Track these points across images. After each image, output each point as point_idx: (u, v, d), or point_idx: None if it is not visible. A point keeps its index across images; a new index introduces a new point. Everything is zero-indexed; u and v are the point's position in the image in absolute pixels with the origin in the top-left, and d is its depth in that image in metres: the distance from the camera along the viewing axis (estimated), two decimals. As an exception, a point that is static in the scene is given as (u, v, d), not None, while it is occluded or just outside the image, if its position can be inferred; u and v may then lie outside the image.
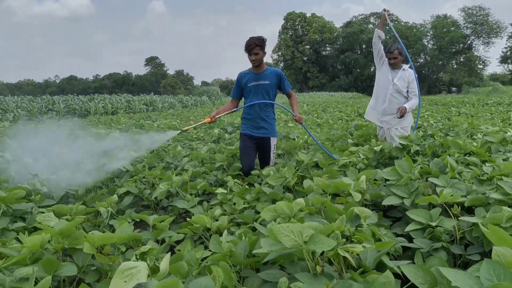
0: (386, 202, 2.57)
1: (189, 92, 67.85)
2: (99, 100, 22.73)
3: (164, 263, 1.41)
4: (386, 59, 5.01)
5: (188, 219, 2.68)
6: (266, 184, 3.39)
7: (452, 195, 2.28)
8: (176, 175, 3.69)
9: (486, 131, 5.53)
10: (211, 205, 3.25)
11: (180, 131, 4.66)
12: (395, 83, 4.92)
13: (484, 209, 2.23)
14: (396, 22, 74.54)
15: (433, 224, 2.12)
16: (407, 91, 4.98)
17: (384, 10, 4.89)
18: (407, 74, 4.96)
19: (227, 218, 2.72)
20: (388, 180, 2.90)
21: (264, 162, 4.46)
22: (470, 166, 3.16)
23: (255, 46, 4.13)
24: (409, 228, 2.18)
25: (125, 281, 1.16)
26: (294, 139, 6.12)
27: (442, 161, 2.99)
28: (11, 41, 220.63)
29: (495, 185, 2.49)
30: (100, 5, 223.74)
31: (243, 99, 4.61)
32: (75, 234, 1.94)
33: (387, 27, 5.12)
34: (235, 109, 4.49)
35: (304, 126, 4.78)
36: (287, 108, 4.81)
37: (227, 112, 4.47)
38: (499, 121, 7.85)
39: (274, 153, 4.46)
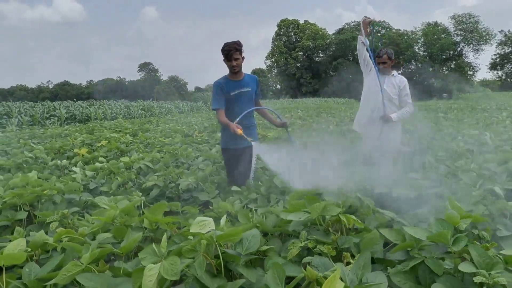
0: (378, 190, 3.16)
1: (183, 97, 68.29)
2: (98, 105, 23.23)
3: (223, 220, 1.97)
4: (372, 66, 4.67)
5: (208, 208, 3.23)
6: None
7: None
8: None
9: (466, 134, 6.15)
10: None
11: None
12: (385, 89, 4.64)
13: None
14: (388, 29, 75.85)
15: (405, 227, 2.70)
16: (398, 99, 4.76)
17: (364, 17, 4.60)
18: (398, 80, 4.74)
19: (243, 205, 3.29)
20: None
21: (244, 174, 4.07)
22: (445, 162, 3.77)
23: (235, 50, 3.92)
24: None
25: (200, 228, 1.72)
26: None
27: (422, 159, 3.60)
28: (2, 45, 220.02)
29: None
30: (93, 10, 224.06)
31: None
32: (133, 213, 2.51)
33: (379, 34, 5.36)
34: (250, 110, 4.13)
35: (288, 130, 4.55)
36: (277, 113, 4.60)
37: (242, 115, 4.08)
38: (481, 126, 8.50)
39: (255, 162, 4.10)
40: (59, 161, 5.16)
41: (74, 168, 4.26)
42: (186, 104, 33.24)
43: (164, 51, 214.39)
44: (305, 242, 1.80)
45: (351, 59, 75.10)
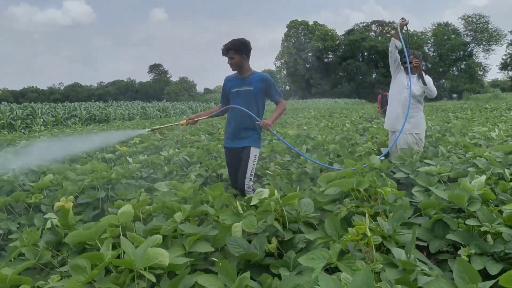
0: (397, 175, 3.67)
1: (193, 98, 68.87)
2: (115, 106, 23.94)
3: (269, 189, 2.51)
4: (402, 67, 4.87)
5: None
6: (305, 167, 4.49)
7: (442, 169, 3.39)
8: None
9: (476, 131, 6.63)
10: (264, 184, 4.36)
11: (149, 130, 4.67)
12: (411, 87, 4.72)
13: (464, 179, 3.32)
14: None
15: (431, 188, 3.21)
16: (422, 96, 4.86)
17: (402, 19, 4.75)
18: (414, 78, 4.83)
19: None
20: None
21: (240, 176, 3.94)
22: (457, 154, 4.28)
23: (228, 49, 3.87)
24: (414, 189, 3.27)
25: (258, 198, 2.28)
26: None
27: (435, 149, 4.11)
28: (14, 48, 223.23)
29: (472, 163, 3.60)
30: (102, 12, 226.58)
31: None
32: (196, 191, 3.06)
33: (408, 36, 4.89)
34: (215, 112, 4.19)
35: (274, 132, 4.31)
36: (252, 114, 3.92)
37: (208, 116, 4.20)
38: (489, 124, 8.94)
39: (253, 165, 3.95)
40: (106, 155, 5.74)
41: (128, 158, 4.83)
42: (199, 105, 33.97)
43: (173, 53, 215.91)
44: (351, 205, 2.32)
45: (360, 60, 75.38)
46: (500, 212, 2.31)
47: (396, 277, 1.58)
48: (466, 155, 4.17)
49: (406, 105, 4.68)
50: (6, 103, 18.63)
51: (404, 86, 4.80)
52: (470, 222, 2.10)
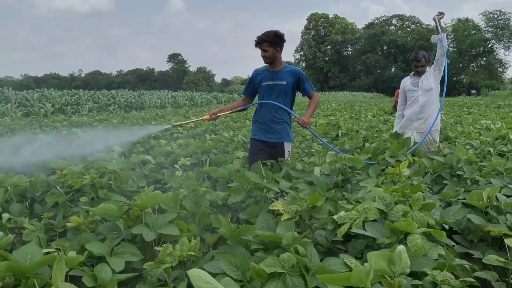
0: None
1: (211, 89, 70.00)
2: (148, 95, 25.60)
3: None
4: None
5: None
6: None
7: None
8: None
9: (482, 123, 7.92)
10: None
11: (170, 125, 4.85)
12: (423, 84, 4.76)
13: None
14: (418, 24, 76.36)
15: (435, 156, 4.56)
16: (434, 85, 4.76)
17: (439, 13, 4.64)
18: (430, 73, 4.81)
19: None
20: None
21: None
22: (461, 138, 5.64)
23: (262, 41, 3.78)
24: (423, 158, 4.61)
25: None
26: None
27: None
28: (34, 34, 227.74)
29: (469, 144, 4.97)
30: (120, 1, 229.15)
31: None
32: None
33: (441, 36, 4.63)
34: (241, 108, 4.18)
35: (311, 130, 4.36)
36: (291, 111, 4.02)
37: (232, 111, 4.23)
38: (498, 119, 10.18)
39: (288, 161, 3.84)
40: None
41: (206, 136, 6.31)
42: (223, 95, 35.53)
43: (191, 42, 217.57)
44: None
45: (380, 53, 75.93)
46: (480, 170, 3.67)
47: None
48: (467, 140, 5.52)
49: (419, 100, 4.75)
50: (53, 90, 20.47)
51: (417, 86, 4.84)
52: (459, 173, 3.48)
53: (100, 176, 3.44)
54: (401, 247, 1.34)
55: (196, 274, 1.07)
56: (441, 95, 4.79)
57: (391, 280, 1.26)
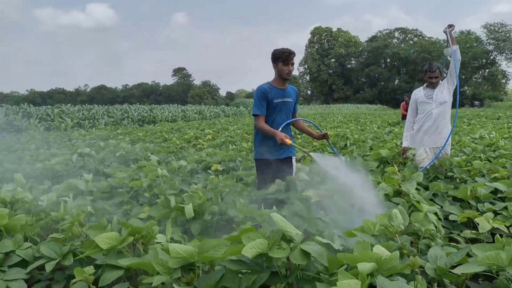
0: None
1: (216, 102, 70.78)
2: (159, 110, 26.51)
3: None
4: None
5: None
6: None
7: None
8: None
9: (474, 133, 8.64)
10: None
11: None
12: (437, 96, 4.68)
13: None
14: (420, 37, 77.47)
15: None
16: (448, 96, 4.71)
17: (449, 26, 4.59)
18: (444, 85, 4.74)
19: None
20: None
21: None
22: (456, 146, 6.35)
23: (294, 55, 3.78)
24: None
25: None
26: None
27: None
28: (40, 50, 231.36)
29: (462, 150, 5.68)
30: (124, 15, 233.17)
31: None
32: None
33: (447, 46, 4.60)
34: (290, 120, 4.04)
35: (329, 142, 4.45)
36: (315, 124, 4.40)
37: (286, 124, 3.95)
38: (494, 130, 10.88)
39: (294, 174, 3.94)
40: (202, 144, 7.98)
41: (231, 146, 7.06)
42: (230, 108, 36.46)
43: (195, 56, 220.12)
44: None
45: (383, 66, 76.92)
46: (469, 171, 4.39)
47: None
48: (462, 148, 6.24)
49: (433, 113, 4.68)
50: (70, 105, 21.43)
51: (430, 99, 4.74)
52: (450, 174, 4.21)
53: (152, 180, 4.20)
54: (396, 210, 2.06)
55: (275, 216, 1.78)
56: (453, 106, 4.73)
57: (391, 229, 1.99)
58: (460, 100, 63.25)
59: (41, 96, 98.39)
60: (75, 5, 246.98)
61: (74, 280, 1.84)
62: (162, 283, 1.73)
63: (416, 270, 1.68)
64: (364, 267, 1.45)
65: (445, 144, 4.53)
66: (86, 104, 26.56)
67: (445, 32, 4.57)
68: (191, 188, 3.43)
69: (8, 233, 2.33)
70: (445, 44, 4.73)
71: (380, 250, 1.61)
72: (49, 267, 2.04)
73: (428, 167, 4.47)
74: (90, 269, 1.84)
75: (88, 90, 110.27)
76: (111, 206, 3.40)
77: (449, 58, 4.55)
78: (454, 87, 4.70)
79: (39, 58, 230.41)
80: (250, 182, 4.39)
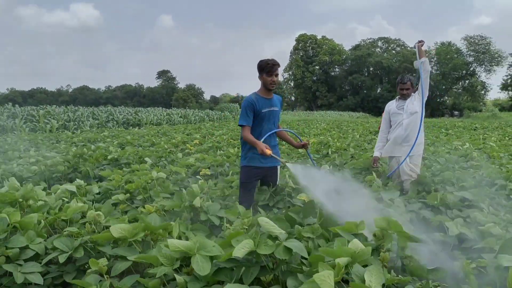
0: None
1: (200, 106, 70.70)
2: (144, 113, 26.57)
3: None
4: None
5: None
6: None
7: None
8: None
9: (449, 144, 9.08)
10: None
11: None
12: (408, 107, 4.84)
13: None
14: (403, 47, 78.98)
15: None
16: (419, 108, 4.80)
17: (419, 41, 4.81)
18: (415, 97, 4.88)
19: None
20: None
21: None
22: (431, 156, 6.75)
23: (278, 66, 3.89)
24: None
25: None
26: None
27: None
28: (22, 49, 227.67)
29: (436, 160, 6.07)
30: (109, 16, 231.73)
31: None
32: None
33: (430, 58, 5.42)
34: (274, 131, 4.07)
35: (308, 151, 4.46)
36: (296, 134, 4.47)
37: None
38: (468, 140, 11.39)
39: (278, 183, 4.22)
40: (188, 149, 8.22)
41: (218, 152, 7.31)
42: (215, 113, 36.67)
43: (180, 59, 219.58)
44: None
45: (366, 74, 78.12)
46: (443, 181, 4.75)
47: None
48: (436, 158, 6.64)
49: (404, 123, 4.84)
50: (55, 106, 21.36)
51: (401, 110, 4.92)
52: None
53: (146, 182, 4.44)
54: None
55: (263, 219, 2.08)
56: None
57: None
58: (440, 109, 64.44)
59: (22, 96, 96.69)
60: (59, 4, 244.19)
61: (90, 270, 2.10)
62: (165, 274, 2.00)
63: (385, 264, 1.98)
64: (341, 260, 1.75)
65: (409, 152, 4.69)
66: (71, 105, 26.35)
67: (415, 46, 4.82)
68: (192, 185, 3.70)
69: (23, 229, 2.56)
70: (416, 57, 4.78)
71: (356, 244, 1.91)
72: (62, 258, 2.32)
73: (394, 172, 4.88)
74: (103, 261, 2.11)
75: (70, 91, 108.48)
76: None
77: (418, 70, 4.71)
78: (426, 98, 4.82)
79: (21, 56, 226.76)
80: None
